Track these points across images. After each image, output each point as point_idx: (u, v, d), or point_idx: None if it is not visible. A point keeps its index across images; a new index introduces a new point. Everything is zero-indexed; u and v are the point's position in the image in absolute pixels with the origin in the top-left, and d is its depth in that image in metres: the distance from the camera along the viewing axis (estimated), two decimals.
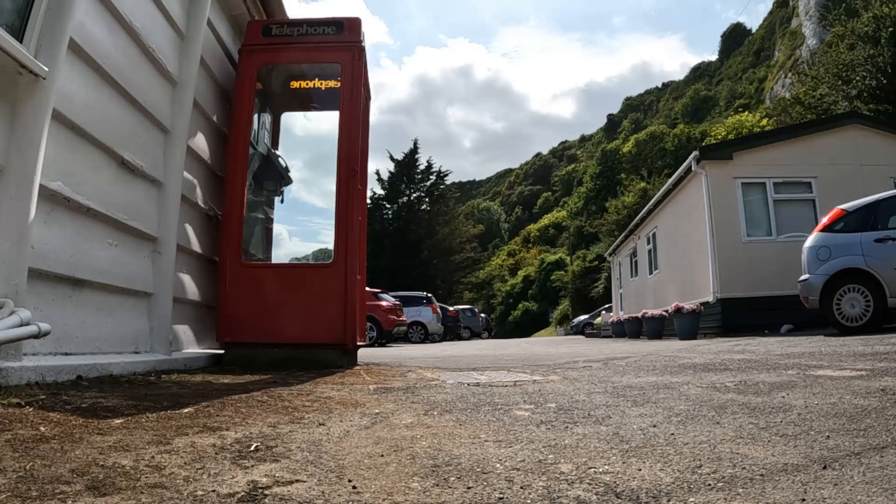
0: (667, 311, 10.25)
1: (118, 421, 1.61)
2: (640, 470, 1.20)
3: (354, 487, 1.10)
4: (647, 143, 59.78)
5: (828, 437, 1.42)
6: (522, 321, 56.02)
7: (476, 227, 45.59)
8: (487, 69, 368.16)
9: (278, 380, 2.86)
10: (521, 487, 1.10)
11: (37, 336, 2.02)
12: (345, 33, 4.03)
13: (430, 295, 19.23)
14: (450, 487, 1.11)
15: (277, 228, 4.96)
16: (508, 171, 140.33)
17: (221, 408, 1.94)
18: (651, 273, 15.16)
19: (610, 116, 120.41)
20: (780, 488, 1.05)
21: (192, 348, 3.79)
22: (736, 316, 9.62)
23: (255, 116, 4.25)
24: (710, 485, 1.08)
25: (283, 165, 4.86)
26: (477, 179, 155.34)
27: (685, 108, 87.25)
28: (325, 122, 5.11)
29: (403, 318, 14.76)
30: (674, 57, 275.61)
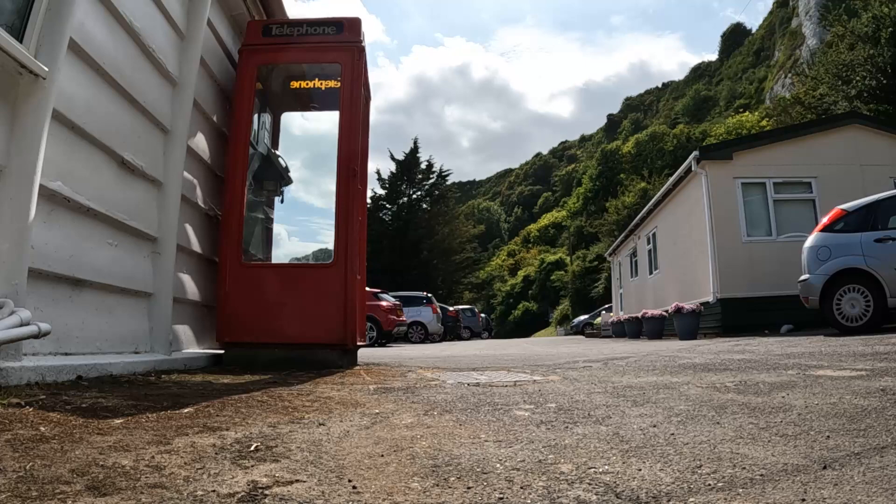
0: (667, 311, 10.25)
1: (118, 421, 1.61)
2: (640, 470, 1.20)
3: (354, 487, 1.10)
4: (647, 144, 59.80)
5: (828, 437, 1.42)
6: (522, 321, 56.01)
7: (476, 227, 45.56)
8: (485, 68, 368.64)
9: (278, 380, 2.86)
10: (521, 487, 1.10)
11: (37, 336, 2.02)
12: (345, 33, 4.03)
13: (430, 295, 19.23)
14: (450, 487, 1.11)
15: (277, 228, 4.95)
16: (508, 171, 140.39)
17: (221, 408, 1.94)
18: (651, 273, 15.16)
19: (610, 116, 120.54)
20: (780, 488, 1.05)
21: (192, 348, 3.79)
22: (736, 316, 9.62)
23: (255, 116, 4.25)
24: (710, 485, 1.08)
25: (283, 165, 4.86)
26: (477, 179, 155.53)
27: (685, 108, 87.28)
28: (324, 122, 5.10)
29: (403, 318, 14.77)
30: (672, 56, 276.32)
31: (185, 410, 1.85)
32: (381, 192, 35.97)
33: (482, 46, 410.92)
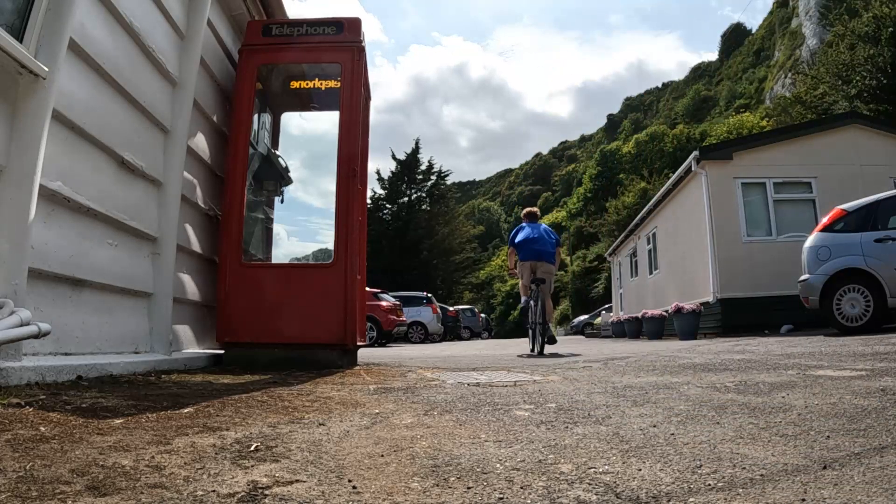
0: (667, 311, 10.26)
1: (118, 421, 1.61)
2: (640, 470, 1.20)
3: (354, 487, 1.10)
4: (646, 144, 59.82)
5: (828, 437, 1.42)
6: (522, 321, 55.91)
7: (476, 227, 45.54)
8: (483, 68, 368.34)
9: (278, 380, 2.86)
10: (521, 487, 1.10)
11: (37, 336, 2.02)
12: (345, 33, 4.03)
13: (430, 295, 19.22)
14: (450, 487, 1.11)
15: (276, 228, 4.95)
16: (508, 171, 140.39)
17: (221, 408, 1.94)
18: (651, 273, 15.16)
19: (610, 116, 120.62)
20: (780, 488, 1.05)
21: (192, 348, 3.79)
22: (736, 316, 9.62)
23: (255, 116, 4.25)
24: (710, 485, 1.08)
25: (283, 165, 4.86)
26: (477, 179, 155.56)
27: (685, 109, 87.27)
28: (323, 122, 5.10)
29: (403, 318, 14.76)
30: (670, 55, 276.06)
31: (185, 410, 1.85)
32: (381, 192, 35.96)
33: (480, 46, 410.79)
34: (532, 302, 6.34)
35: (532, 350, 6.23)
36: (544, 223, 7.25)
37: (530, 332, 6.42)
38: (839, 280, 6.34)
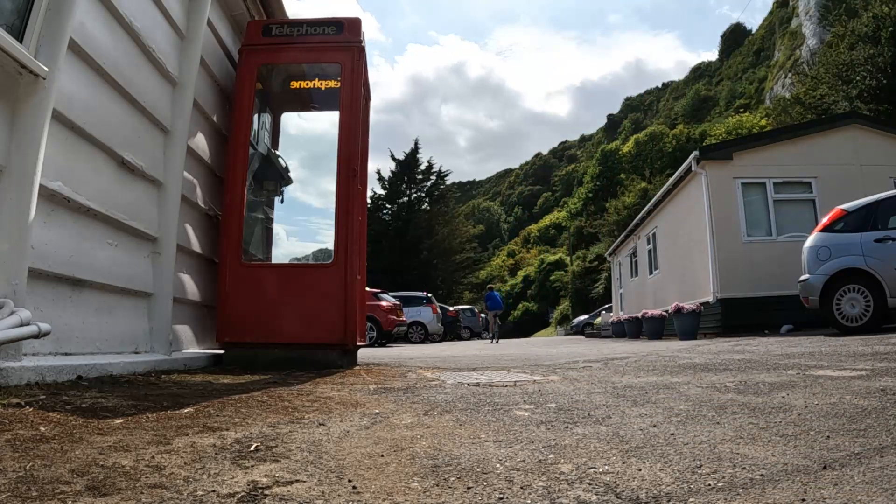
0: (667, 311, 10.25)
1: (118, 421, 1.61)
2: (640, 470, 1.20)
3: (354, 487, 1.10)
4: (646, 144, 59.86)
5: (828, 437, 1.42)
6: (522, 321, 56.01)
7: (476, 227, 45.52)
8: (481, 67, 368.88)
9: (278, 380, 2.86)
10: (521, 487, 1.10)
11: (37, 336, 2.02)
12: (345, 33, 4.03)
13: (430, 295, 19.22)
14: (450, 487, 1.11)
15: (276, 228, 4.95)
16: (508, 171, 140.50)
17: (221, 408, 1.94)
18: (651, 273, 15.15)
19: (610, 116, 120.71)
20: (780, 488, 1.05)
21: (192, 348, 3.79)
22: (736, 316, 9.62)
23: (255, 116, 4.25)
24: (710, 485, 1.08)
25: (283, 165, 4.86)
26: (477, 179, 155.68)
27: (685, 109, 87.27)
28: (322, 122, 5.10)
29: (403, 318, 14.77)
30: (669, 55, 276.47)
31: (185, 410, 1.85)
32: (381, 192, 35.95)
33: (478, 45, 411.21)
34: (496, 328, 16.26)
35: (492, 341, 15.24)
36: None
37: (492, 335, 16.23)
38: (839, 280, 6.34)
